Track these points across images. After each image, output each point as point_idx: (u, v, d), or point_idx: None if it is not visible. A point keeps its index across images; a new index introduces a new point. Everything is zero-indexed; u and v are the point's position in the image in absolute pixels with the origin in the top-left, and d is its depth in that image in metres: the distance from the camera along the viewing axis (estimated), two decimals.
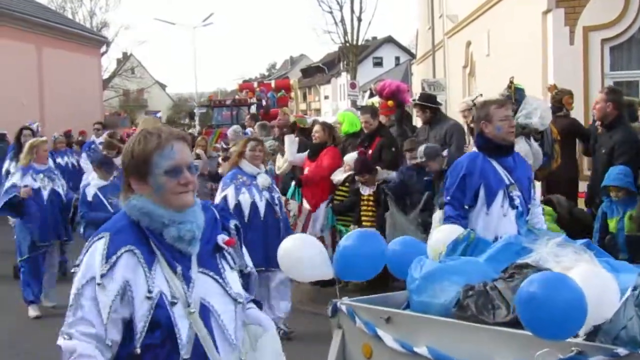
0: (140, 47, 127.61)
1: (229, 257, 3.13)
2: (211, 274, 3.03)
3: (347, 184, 9.53)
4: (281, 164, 10.66)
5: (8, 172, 10.96)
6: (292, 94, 30.19)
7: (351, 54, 45.99)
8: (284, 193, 10.81)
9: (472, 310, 4.13)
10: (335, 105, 53.51)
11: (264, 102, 27.89)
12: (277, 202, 7.98)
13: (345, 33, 45.42)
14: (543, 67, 12.95)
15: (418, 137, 9.70)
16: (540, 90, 12.24)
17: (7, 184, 9.36)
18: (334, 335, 4.84)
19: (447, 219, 5.70)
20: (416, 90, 25.69)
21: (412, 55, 46.54)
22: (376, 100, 10.66)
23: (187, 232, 2.96)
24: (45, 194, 9.34)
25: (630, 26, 12.38)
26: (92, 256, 2.90)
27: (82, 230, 9.07)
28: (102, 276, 2.85)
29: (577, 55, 12.46)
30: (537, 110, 8.21)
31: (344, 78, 55.81)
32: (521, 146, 7.77)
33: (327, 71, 72.41)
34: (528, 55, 13.66)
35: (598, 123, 8.18)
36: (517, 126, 8.18)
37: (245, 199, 7.74)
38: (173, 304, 2.89)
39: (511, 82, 8.64)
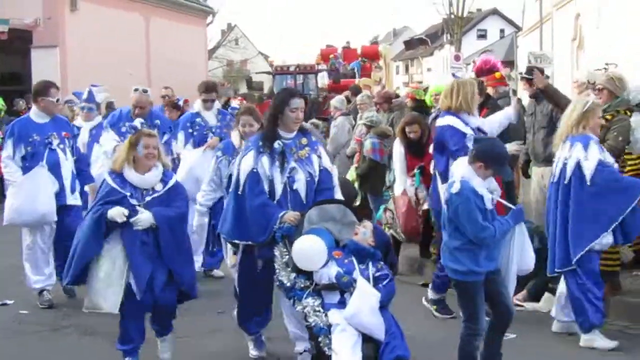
0: (244, 17, 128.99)
1: None
2: None
3: None
4: None
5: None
6: (381, 62, 26.40)
7: (456, 26, 45.32)
8: None
9: None
10: (437, 78, 52.82)
11: (340, 70, 25.34)
12: None
13: (451, 4, 44.79)
14: None
15: (526, 112, 9.47)
16: None
17: None
18: None
19: None
20: (521, 63, 25.15)
21: (517, 28, 45.52)
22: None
23: None
24: None
25: None
26: None
27: None
28: None
29: None
30: None
31: (447, 50, 55.07)
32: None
33: (430, 43, 71.68)
34: None
35: None
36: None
37: None
38: None
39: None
